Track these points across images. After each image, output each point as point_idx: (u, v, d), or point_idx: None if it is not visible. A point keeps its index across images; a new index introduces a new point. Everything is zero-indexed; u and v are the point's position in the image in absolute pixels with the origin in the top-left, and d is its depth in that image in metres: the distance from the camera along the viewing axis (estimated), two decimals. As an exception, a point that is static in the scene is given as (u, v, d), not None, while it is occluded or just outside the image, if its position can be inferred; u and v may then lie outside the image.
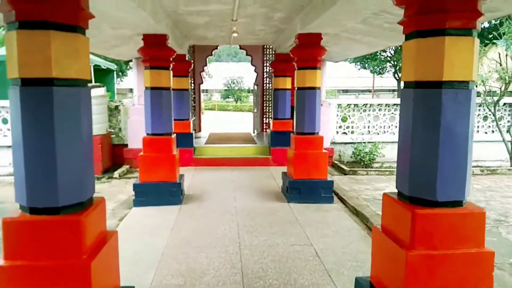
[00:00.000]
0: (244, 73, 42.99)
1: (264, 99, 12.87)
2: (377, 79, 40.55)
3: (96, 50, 6.95)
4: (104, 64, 16.66)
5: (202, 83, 12.75)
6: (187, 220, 5.36)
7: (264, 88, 12.83)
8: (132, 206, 5.97)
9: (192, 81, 12.56)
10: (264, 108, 12.89)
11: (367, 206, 5.93)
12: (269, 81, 12.79)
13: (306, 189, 6.12)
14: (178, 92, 8.99)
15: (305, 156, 6.16)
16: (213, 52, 12.63)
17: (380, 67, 31.05)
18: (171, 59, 6.17)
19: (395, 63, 31.65)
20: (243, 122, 19.98)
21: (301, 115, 6.25)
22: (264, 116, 12.92)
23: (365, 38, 5.94)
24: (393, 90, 43.74)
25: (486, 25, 37.02)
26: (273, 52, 12.48)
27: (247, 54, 12.72)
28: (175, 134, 6.53)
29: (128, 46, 6.91)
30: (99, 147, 8.24)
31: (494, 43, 31.85)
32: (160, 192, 5.98)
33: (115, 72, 18.21)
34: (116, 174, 8.13)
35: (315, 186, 6.12)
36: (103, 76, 17.37)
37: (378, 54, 31.22)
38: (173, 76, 8.97)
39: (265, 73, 12.75)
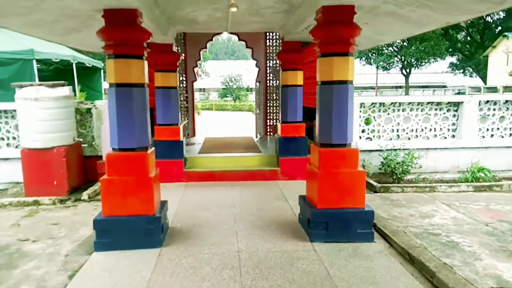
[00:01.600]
0: (243, 71, 41.30)
1: (268, 97, 11.12)
2: (380, 75, 38.84)
3: (47, 36, 5.23)
4: (89, 62, 14.92)
5: (195, 80, 11.01)
6: (167, 279, 3.63)
7: (268, 85, 11.08)
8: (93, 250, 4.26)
9: (184, 78, 10.81)
10: (268, 108, 11.15)
11: (423, 248, 4.20)
12: (273, 76, 11.05)
13: (336, 223, 4.40)
14: (163, 91, 7.26)
15: (335, 177, 4.44)
16: (207, 45, 10.88)
17: (387, 62, 29.46)
18: (144, 44, 4.43)
19: (403, 57, 29.97)
20: (243, 123, 18.22)
21: (327, 120, 4.52)
22: (268, 117, 11.18)
23: (418, 11, 4.22)
24: (399, 87, 42.03)
25: (496, 16, 35.38)
26: (279, 41, 10.75)
27: (247, 46, 10.98)
28: (153, 148, 4.78)
29: (92, 30, 5.16)
30: (63, 162, 6.50)
31: (505, 36, 30.21)
32: (131, 230, 4.26)
33: (102, 71, 16.47)
34: (85, 195, 6.39)
35: (349, 218, 4.40)
36: (88, 75, 15.59)
37: (384, 48, 29.55)
38: (157, 71, 7.25)
39: (268, 68, 11.00)
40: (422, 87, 45.00)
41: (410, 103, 7.86)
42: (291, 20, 6.31)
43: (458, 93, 29.05)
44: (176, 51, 8.05)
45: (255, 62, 11.12)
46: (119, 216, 4.26)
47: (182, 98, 10.66)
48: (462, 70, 39.30)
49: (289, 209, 5.65)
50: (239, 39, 10.85)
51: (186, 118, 10.79)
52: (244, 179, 7.32)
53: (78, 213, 5.84)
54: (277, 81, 11.05)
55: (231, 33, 10.58)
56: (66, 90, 6.68)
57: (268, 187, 6.93)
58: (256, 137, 10.31)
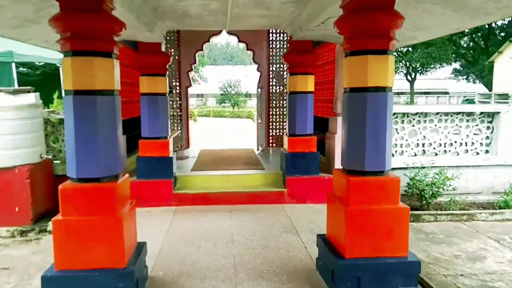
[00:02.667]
0: (242, 76, 40.29)
1: (271, 105, 10.03)
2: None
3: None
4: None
5: (190, 85, 9.91)
6: None
7: (270, 91, 9.99)
8: (42, 316, 3.12)
9: (177, 83, 9.71)
10: (271, 117, 10.05)
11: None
12: (276, 82, 9.96)
13: (371, 277, 3.27)
14: (150, 99, 6.15)
15: (370, 216, 3.32)
16: (204, 47, 9.80)
17: (391, 68, 28.44)
18: (115, 38, 3.32)
19: (408, 63, 29.00)
20: (242, 131, 17.12)
21: (358, 139, 3.41)
22: (271, 127, 10.08)
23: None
24: (401, 93, 41.10)
25: (499, 23, 34.53)
26: (285, 42, 9.71)
27: (247, 49, 9.91)
28: (127, 175, 3.65)
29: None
30: (27, 184, 5.37)
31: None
32: (94, 289, 3.12)
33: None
34: (50, 225, 5.22)
35: (388, 271, 3.28)
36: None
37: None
38: (144, 74, 6.13)
39: (271, 72, 9.92)
40: (424, 93, 44.09)
41: (438, 113, 6.76)
42: (303, 13, 5.22)
43: (467, 101, 28.03)
44: (166, 51, 6.95)
45: (256, 66, 10.06)
46: (77, 270, 3.12)
47: (175, 105, 9.55)
48: (465, 76, 38.47)
49: (302, 248, 4.52)
50: (239, 40, 9.79)
51: (179, 128, 9.67)
52: (245, 202, 6.20)
53: (40, 250, 4.69)
54: (281, 87, 9.96)
55: (230, 33, 9.51)
56: (31, 98, 5.56)
57: (273, 213, 5.80)
58: (258, 149, 9.20)
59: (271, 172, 6.83)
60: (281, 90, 9.99)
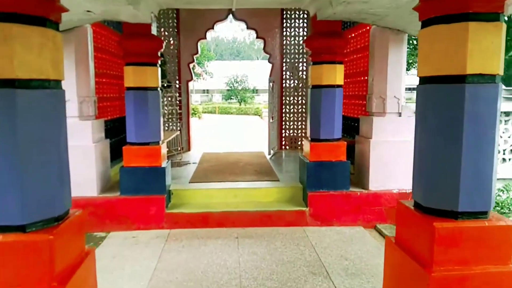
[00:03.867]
0: (250, 71, 38.98)
1: (284, 101, 8.72)
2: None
3: None
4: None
5: (191, 79, 8.63)
6: None
7: (284, 86, 8.68)
8: None
9: (177, 77, 8.44)
10: (284, 115, 8.75)
11: None
12: (290, 75, 8.64)
13: None
14: (137, 94, 4.89)
15: (468, 283, 2.02)
16: (207, 35, 8.50)
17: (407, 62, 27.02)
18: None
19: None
20: (249, 130, 15.85)
21: (443, 159, 2.11)
22: (284, 127, 8.78)
23: None
24: (413, 89, 39.41)
25: None
26: (302, 27, 8.41)
27: (257, 37, 8.61)
28: (79, 215, 2.37)
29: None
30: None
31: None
32: None
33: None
34: None
35: None
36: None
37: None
38: (129, 64, 4.89)
39: (284, 64, 8.61)
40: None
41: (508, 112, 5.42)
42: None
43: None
44: (158, 36, 5.65)
45: (266, 58, 8.76)
46: None
47: (173, 102, 8.29)
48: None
49: (339, 302, 3.23)
50: (248, 27, 8.49)
51: (178, 128, 8.41)
52: (256, 224, 4.93)
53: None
54: (296, 81, 8.65)
55: (237, 18, 8.24)
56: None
57: (293, 240, 4.52)
58: (269, 153, 7.91)
59: (288, 185, 5.54)
60: (296, 84, 8.68)
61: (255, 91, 37.09)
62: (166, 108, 8.13)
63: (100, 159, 5.03)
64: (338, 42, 4.93)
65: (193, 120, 19.94)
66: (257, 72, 40.45)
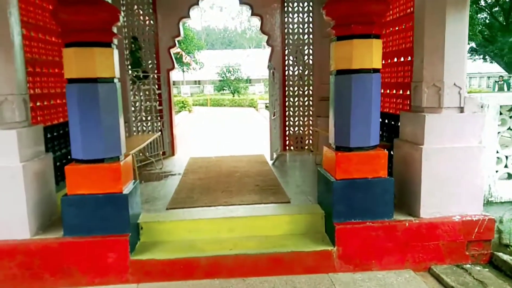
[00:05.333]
0: (243, 59, 37.27)
1: (287, 93, 7.18)
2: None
3: None
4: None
5: (172, 68, 7.03)
6: None
7: (286, 73, 7.12)
8: None
9: (155, 65, 6.85)
10: (287, 110, 7.21)
11: None
12: (294, 60, 7.09)
13: None
14: (83, 88, 3.33)
15: None
16: (190, 12, 6.90)
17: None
18: None
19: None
20: (244, 124, 14.29)
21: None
22: (287, 123, 7.25)
23: None
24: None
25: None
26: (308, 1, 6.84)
27: (253, 14, 7.03)
28: None
29: None
30: None
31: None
32: None
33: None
34: None
35: None
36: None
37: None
38: (70, 44, 3.28)
39: (286, 47, 7.04)
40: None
41: None
42: None
43: (502, 82, 24.74)
44: (114, 5, 4.02)
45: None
46: None
47: (151, 96, 6.71)
48: (482, 56, 35.61)
49: None
50: (241, 2, 6.90)
51: (159, 128, 6.85)
52: (261, 272, 3.43)
53: None
54: (301, 68, 7.09)
55: None
56: None
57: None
58: (272, 157, 6.38)
59: (304, 209, 4.02)
60: (301, 71, 7.13)
61: (249, 81, 35.35)
62: (142, 104, 6.55)
63: (34, 184, 3.47)
64: (376, 6, 3.38)
65: (182, 115, 18.31)
66: (250, 61, 38.74)
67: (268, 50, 7.21)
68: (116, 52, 3.47)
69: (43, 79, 4.27)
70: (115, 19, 3.41)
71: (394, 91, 4.53)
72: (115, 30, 3.47)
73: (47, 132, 4.13)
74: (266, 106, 21.05)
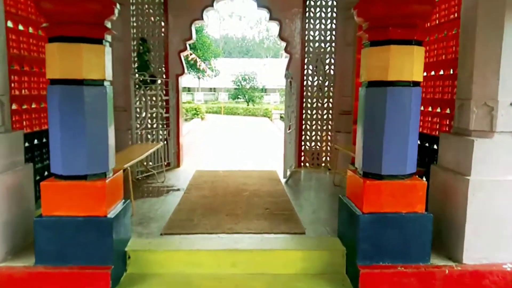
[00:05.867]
0: (260, 67, 36.93)
1: (304, 105, 6.61)
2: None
3: None
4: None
5: (183, 73, 6.53)
6: None
7: (305, 83, 6.56)
8: None
9: (163, 69, 6.38)
10: (304, 123, 6.63)
11: None
12: (313, 70, 6.53)
13: None
14: (66, 91, 2.81)
15: None
16: (204, 15, 6.42)
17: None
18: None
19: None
20: (258, 134, 13.74)
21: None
22: (304, 137, 6.66)
23: None
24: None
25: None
26: (334, 1, 6.33)
27: (271, 18, 6.51)
28: None
29: None
30: None
31: None
32: None
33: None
34: None
35: None
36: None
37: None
38: (54, 39, 2.74)
39: (306, 55, 6.49)
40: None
41: None
42: None
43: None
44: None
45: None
46: None
47: (158, 102, 6.22)
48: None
49: None
50: (259, 6, 6.40)
51: (164, 137, 6.35)
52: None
53: None
54: (321, 78, 6.54)
55: None
56: None
57: None
58: (285, 175, 5.79)
59: (321, 244, 3.41)
60: (320, 82, 6.56)
61: (264, 90, 34.90)
62: (149, 110, 6.05)
63: (7, 199, 2.96)
64: (419, 6, 2.79)
65: (194, 122, 17.88)
66: (267, 70, 38.37)
67: (285, 59, 6.69)
68: (109, 51, 2.96)
69: (33, 78, 3.80)
70: (109, 12, 2.90)
71: (430, 109, 3.90)
72: (108, 25, 2.97)
73: (31, 139, 3.64)
74: (281, 117, 20.52)
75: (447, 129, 3.51)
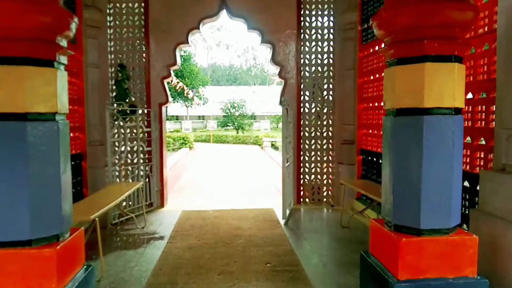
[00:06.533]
0: (249, 95, 36.75)
1: (302, 133, 5.99)
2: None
3: None
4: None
5: (166, 102, 5.88)
6: None
7: (302, 110, 5.97)
8: None
9: (145, 98, 5.74)
10: (303, 154, 5.99)
11: None
12: (310, 95, 5.96)
13: None
14: (1, 128, 2.08)
15: None
16: (189, 38, 5.86)
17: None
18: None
19: None
20: (249, 164, 13.03)
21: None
22: (303, 170, 6.00)
23: None
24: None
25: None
26: (330, 21, 5.85)
27: (263, 41, 5.95)
28: None
29: None
30: None
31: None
32: None
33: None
34: None
35: None
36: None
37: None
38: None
39: (302, 80, 5.93)
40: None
41: None
42: None
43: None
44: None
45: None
46: None
47: (140, 134, 5.53)
48: None
49: None
50: (249, 27, 5.86)
51: (146, 173, 5.62)
52: None
53: None
54: (319, 105, 5.96)
55: (233, 14, 5.69)
56: None
57: None
58: (284, 216, 5.08)
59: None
60: (318, 109, 5.97)
61: (254, 117, 34.46)
62: (128, 144, 5.34)
63: None
64: (460, 13, 2.22)
65: (182, 152, 17.14)
66: (256, 97, 38.11)
67: (274, 87, 6.14)
68: (63, 76, 2.30)
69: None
70: (63, 26, 2.26)
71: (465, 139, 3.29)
72: (62, 42, 2.31)
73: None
74: (272, 145, 19.92)
75: (489, 165, 2.87)
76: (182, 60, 25.94)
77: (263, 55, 67.37)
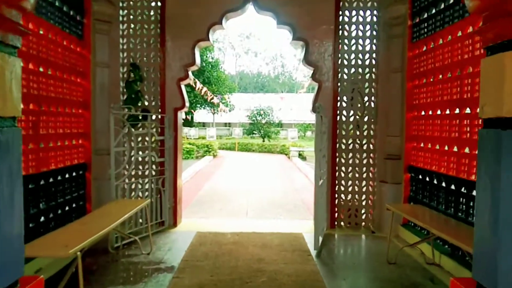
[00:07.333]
0: (276, 102, 36.11)
1: (338, 145, 5.14)
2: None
3: None
4: None
5: (183, 106, 5.17)
6: None
7: (338, 118, 5.12)
8: None
9: (159, 102, 5.05)
10: (338, 169, 5.13)
11: None
12: (349, 101, 5.11)
13: None
14: None
15: None
16: (210, 35, 5.15)
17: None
18: None
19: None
20: (275, 176, 12.20)
21: None
22: (338, 188, 5.14)
23: None
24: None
25: None
26: (374, 16, 4.98)
27: (295, 38, 5.17)
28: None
29: None
30: None
31: None
32: None
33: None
34: None
35: None
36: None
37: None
38: None
39: (340, 83, 5.09)
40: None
41: None
42: None
43: None
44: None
45: (310, 71, 5.26)
46: None
47: (152, 142, 4.85)
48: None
49: None
50: (279, 22, 5.10)
51: (158, 187, 4.92)
52: None
53: None
54: (359, 112, 5.10)
55: (261, 7, 4.95)
56: None
57: None
58: (316, 246, 4.23)
59: None
60: (358, 117, 5.11)
61: (280, 125, 33.61)
62: (135, 154, 4.67)
63: None
64: None
65: (205, 160, 16.54)
66: (284, 105, 37.36)
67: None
68: (14, 64, 1.59)
69: None
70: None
71: None
72: (13, 16, 1.61)
73: None
74: (300, 155, 19.01)
75: None
76: (210, 67, 25.51)
77: (291, 63, 66.63)
